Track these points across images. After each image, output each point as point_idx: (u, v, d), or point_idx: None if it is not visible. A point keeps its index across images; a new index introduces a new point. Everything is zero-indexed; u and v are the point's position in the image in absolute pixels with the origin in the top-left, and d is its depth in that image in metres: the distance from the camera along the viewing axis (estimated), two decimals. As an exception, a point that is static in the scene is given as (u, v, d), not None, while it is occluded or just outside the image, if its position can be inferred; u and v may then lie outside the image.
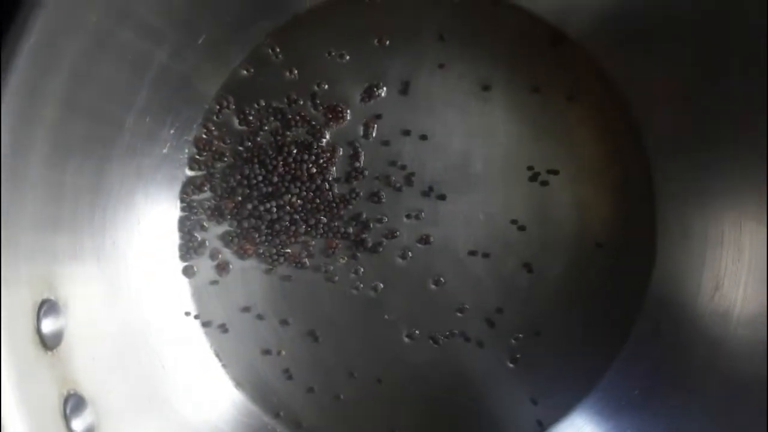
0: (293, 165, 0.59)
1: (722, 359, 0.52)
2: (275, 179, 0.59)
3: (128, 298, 0.53)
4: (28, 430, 0.38)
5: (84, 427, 0.43)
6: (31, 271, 0.41)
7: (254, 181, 0.59)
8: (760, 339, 0.49)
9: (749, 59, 0.49)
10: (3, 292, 0.38)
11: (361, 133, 0.60)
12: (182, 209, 0.59)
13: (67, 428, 0.41)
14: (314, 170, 0.59)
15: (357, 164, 0.60)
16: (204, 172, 0.59)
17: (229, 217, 0.59)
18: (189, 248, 0.59)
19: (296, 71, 0.59)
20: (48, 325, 0.42)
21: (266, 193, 0.59)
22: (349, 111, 0.59)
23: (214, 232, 0.59)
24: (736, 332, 0.51)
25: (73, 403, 0.42)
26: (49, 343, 0.42)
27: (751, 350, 0.50)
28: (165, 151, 0.56)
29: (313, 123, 0.59)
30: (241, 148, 0.59)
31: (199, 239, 0.59)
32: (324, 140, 0.59)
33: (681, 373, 0.56)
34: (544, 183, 0.60)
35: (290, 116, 0.59)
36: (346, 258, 0.60)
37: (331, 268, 0.60)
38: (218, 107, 0.58)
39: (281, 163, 0.59)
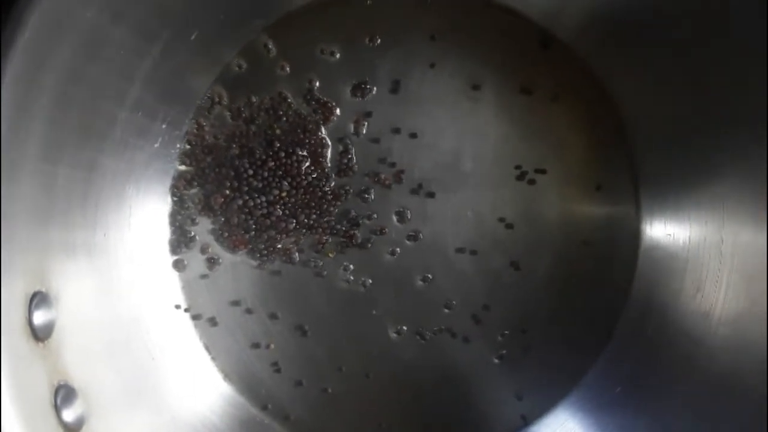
0: (284, 160, 0.59)
1: (703, 358, 0.53)
2: (265, 174, 0.59)
3: (119, 291, 0.54)
4: (20, 420, 0.39)
5: (74, 417, 0.43)
6: (24, 262, 0.42)
7: (244, 176, 0.59)
8: (741, 338, 0.50)
9: (733, 60, 0.49)
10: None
11: (352, 130, 0.60)
12: (173, 204, 0.59)
13: (57, 419, 0.42)
14: (304, 166, 0.60)
15: (347, 161, 0.60)
16: (194, 167, 0.59)
17: (218, 212, 0.59)
18: (179, 242, 0.59)
19: (288, 68, 0.59)
20: (39, 317, 0.42)
21: (256, 188, 0.59)
22: (339, 108, 0.60)
23: (204, 226, 0.60)
24: (717, 332, 0.52)
25: (64, 394, 0.43)
26: (40, 335, 0.42)
27: (732, 349, 0.50)
28: (157, 145, 0.57)
29: (304, 119, 0.59)
30: (232, 143, 0.59)
31: (190, 233, 0.59)
32: (315, 136, 0.60)
33: (663, 371, 0.57)
34: (532, 182, 0.61)
35: (281, 112, 0.59)
36: (335, 253, 0.61)
37: (321, 263, 0.61)
38: (210, 102, 0.59)
39: (272, 158, 0.59)
